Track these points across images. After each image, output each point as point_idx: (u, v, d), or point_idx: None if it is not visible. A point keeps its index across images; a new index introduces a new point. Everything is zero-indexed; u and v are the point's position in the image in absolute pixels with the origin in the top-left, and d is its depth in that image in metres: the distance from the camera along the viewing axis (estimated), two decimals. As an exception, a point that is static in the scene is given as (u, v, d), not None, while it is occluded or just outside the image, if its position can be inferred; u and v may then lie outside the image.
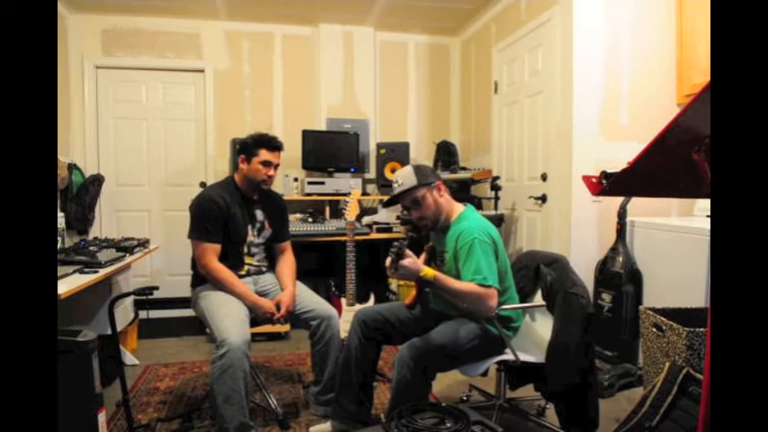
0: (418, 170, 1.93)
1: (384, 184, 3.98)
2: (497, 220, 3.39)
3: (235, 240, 2.22)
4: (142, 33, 4.10)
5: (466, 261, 1.79)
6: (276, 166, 2.27)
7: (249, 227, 2.27)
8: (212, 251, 2.14)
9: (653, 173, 1.09)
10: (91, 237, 3.67)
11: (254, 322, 2.19)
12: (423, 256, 2.11)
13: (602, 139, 2.98)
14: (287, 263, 2.37)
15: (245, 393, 1.89)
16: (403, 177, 1.93)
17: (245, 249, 2.29)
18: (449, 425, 1.33)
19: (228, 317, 1.98)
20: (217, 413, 1.88)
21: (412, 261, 1.73)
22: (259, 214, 2.32)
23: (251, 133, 2.28)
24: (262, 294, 2.26)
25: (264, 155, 2.21)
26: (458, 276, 1.84)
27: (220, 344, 1.87)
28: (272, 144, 2.24)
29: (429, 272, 1.75)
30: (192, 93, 4.26)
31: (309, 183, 3.88)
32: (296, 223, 3.52)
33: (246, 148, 2.23)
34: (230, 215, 2.18)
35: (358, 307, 2.99)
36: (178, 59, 4.17)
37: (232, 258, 2.22)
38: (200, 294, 2.16)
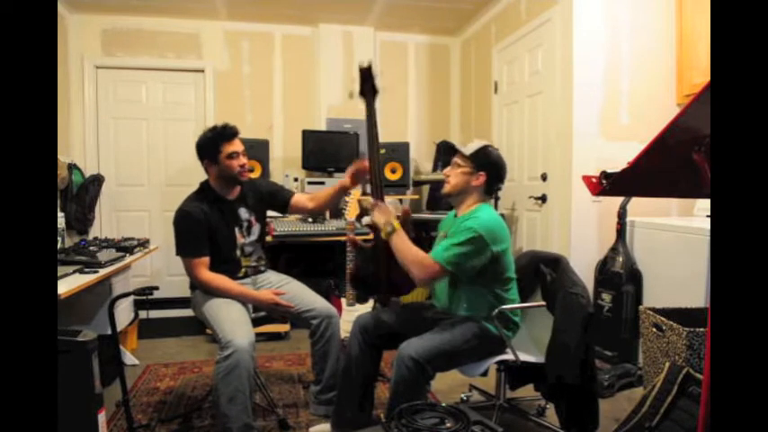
0: (482, 153, 1.93)
1: (384, 185, 3.97)
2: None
3: (225, 247, 2.17)
4: (142, 33, 4.10)
5: (452, 239, 1.80)
6: (243, 153, 2.17)
7: (236, 229, 2.20)
8: (202, 265, 2.10)
9: (653, 173, 1.10)
10: (91, 237, 3.67)
11: (255, 323, 2.18)
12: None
13: (602, 139, 2.98)
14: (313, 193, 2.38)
15: (248, 394, 1.89)
16: (474, 145, 1.96)
17: (239, 252, 2.23)
18: (449, 425, 1.33)
19: (232, 318, 1.98)
20: (220, 413, 1.88)
21: (386, 209, 1.89)
22: (243, 212, 2.24)
23: (203, 133, 2.16)
24: None
25: (227, 148, 2.11)
26: None
27: (226, 345, 1.86)
28: (228, 133, 2.13)
29: (397, 225, 1.85)
30: (191, 93, 4.26)
31: (309, 183, 3.87)
32: (296, 223, 3.52)
33: (206, 150, 2.14)
34: (213, 225, 2.12)
35: (358, 307, 2.99)
36: (178, 59, 4.17)
37: (228, 264, 2.19)
38: (201, 297, 2.14)
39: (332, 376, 2.20)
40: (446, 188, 1.99)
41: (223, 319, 1.98)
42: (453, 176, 1.96)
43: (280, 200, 2.38)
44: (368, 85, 1.99)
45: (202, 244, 2.10)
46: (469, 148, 1.97)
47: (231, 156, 2.13)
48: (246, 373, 1.86)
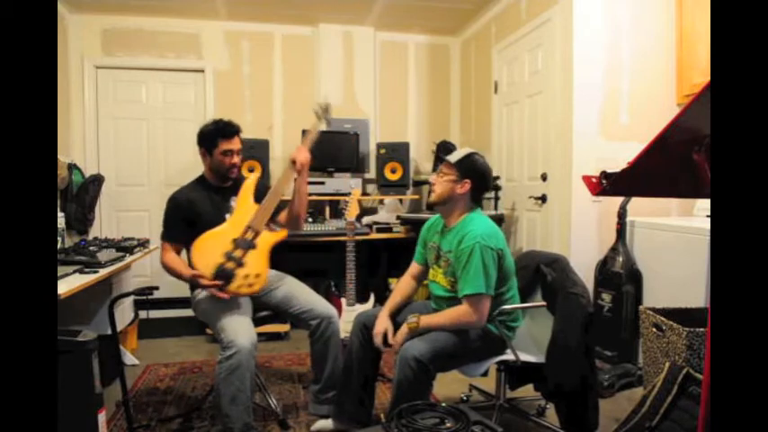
0: (467, 161, 1.92)
1: (384, 184, 3.98)
2: (497, 220, 3.38)
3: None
4: (142, 33, 4.10)
5: (464, 268, 1.81)
6: (238, 152, 2.21)
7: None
8: (169, 249, 2.14)
9: (653, 173, 1.10)
10: (91, 237, 3.67)
11: (255, 323, 2.18)
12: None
13: (602, 139, 2.98)
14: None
15: (250, 394, 1.89)
16: (459, 153, 1.97)
17: None
18: (449, 425, 1.33)
19: (234, 318, 1.98)
20: (222, 413, 1.88)
21: (400, 332, 1.88)
22: (233, 201, 2.24)
23: (207, 123, 2.22)
24: (266, 292, 2.22)
25: (223, 145, 2.16)
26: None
27: (228, 345, 1.86)
28: (228, 131, 2.17)
29: (412, 324, 1.86)
30: (192, 93, 4.25)
31: (309, 183, 3.85)
32: (296, 223, 3.51)
33: (204, 140, 2.19)
34: (198, 211, 2.15)
35: (358, 307, 2.99)
36: (178, 59, 4.17)
37: None
38: (202, 297, 2.14)
39: (331, 376, 2.20)
40: (432, 197, 1.99)
41: (225, 319, 1.98)
42: (439, 185, 1.95)
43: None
44: None
45: (178, 229, 2.14)
46: (455, 155, 1.96)
47: (225, 153, 2.18)
48: (248, 374, 1.86)
